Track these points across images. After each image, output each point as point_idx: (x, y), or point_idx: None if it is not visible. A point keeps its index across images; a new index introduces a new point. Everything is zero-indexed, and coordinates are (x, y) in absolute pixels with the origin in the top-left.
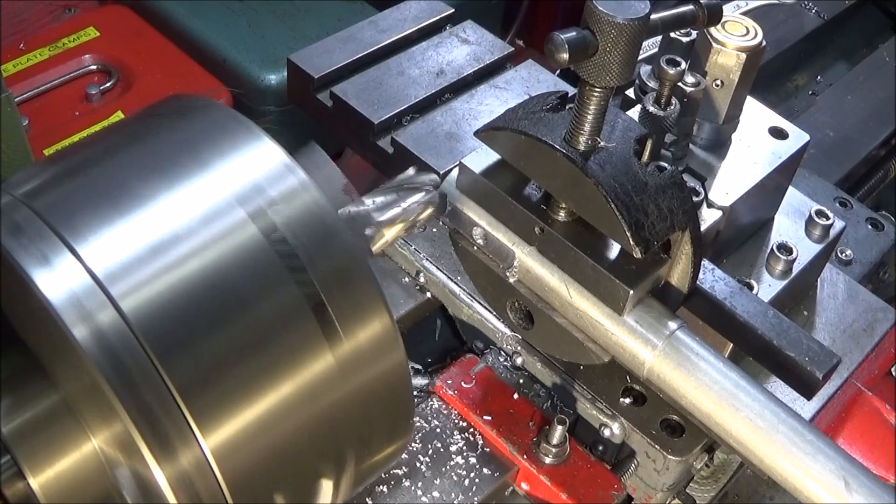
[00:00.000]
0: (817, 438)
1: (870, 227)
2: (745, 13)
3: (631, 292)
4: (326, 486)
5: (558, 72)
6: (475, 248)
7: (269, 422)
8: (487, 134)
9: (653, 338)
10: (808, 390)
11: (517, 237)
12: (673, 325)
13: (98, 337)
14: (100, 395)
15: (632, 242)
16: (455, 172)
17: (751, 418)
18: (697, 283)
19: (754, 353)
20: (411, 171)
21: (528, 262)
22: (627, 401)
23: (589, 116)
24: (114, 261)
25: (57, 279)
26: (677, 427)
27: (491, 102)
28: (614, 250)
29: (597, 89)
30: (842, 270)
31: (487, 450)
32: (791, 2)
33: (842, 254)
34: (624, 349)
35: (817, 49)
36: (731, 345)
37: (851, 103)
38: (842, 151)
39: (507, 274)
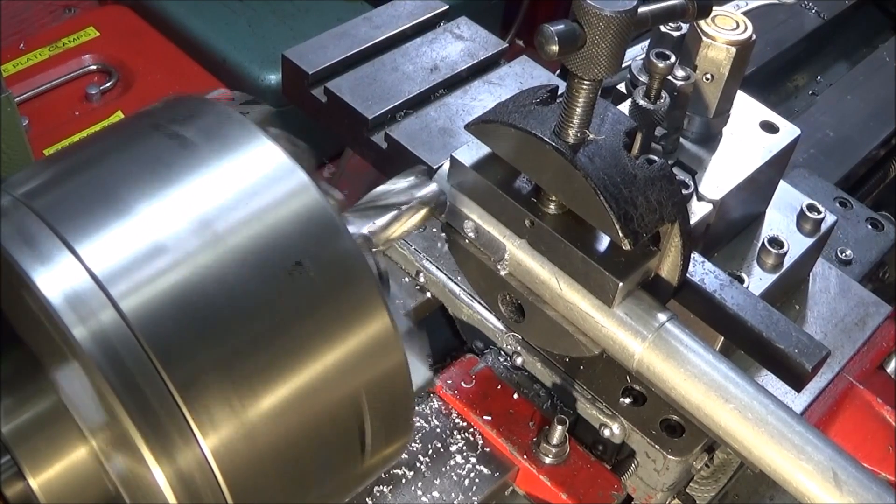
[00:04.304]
0: (806, 430)
1: (870, 227)
2: (745, 13)
3: (620, 284)
4: (326, 486)
5: (558, 71)
6: (466, 241)
7: (269, 422)
8: (478, 127)
9: (642, 330)
10: (797, 382)
11: (508, 230)
12: (662, 317)
13: (98, 337)
14: (100, 395)
15: (621, 234)
16: (446, 166)
17: (739, 410)
18: (687, 275)
19: (744, 345)
20: (410, 171)
21: (519, 255)
22: (627, 401)
23: (578, 109)
24: (114, 261)
25: (57, 279)
26: (677, 427)
27: (484, 98)
28: (604, 243)
29: (585, 82)
30: (842, 270)
31: (487, 450)
32: (791, 2)
33: (842, 253)
34: (614, 341)
35: (817, 49)
36: (722, 338)
37: (851, 103)
38: (842, 151)
39: (499, 267)
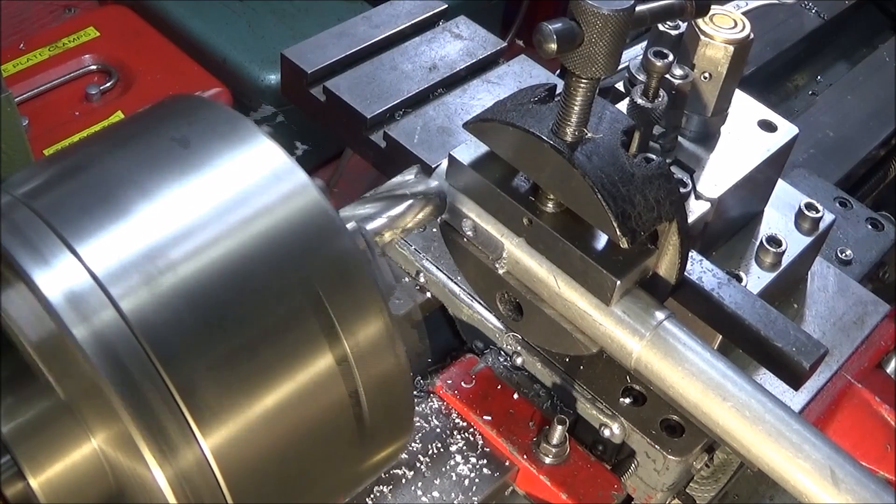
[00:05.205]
0: (804, 428)
1: (870, 227)
2: (745, 13)
3: (618, 282)
4: (326, 486)
5: (559, 71)
6: (465, 239)
7: (268, 422)
8: (476, 126)
9: (640, 328)
10: (795, 381)
11: (506, 228)
12: (660, 315)
13: (98, 337)
14: (100, 395)
15: (618, 233)
16: (444, 164)
17: (737, 408)
18: (685, 274)
19: (742, 344)
20: (411, 170)
21: (517, 254)
22: (627, 401)
23: (576, 107)
24: (114, 261)
25: (57, 279)
26: (677, 427)
27: (483, 97)
28: (602, 241)
29: (583, 80)
30: (842, 270)
31: (487, 450)
32: (791, 2)
33: (842, 253)
34: (612, 340)
35: (817, 49)
36: (720, 336)
37: (851, 103)
38: (842, 151)
39: (497, 265)
